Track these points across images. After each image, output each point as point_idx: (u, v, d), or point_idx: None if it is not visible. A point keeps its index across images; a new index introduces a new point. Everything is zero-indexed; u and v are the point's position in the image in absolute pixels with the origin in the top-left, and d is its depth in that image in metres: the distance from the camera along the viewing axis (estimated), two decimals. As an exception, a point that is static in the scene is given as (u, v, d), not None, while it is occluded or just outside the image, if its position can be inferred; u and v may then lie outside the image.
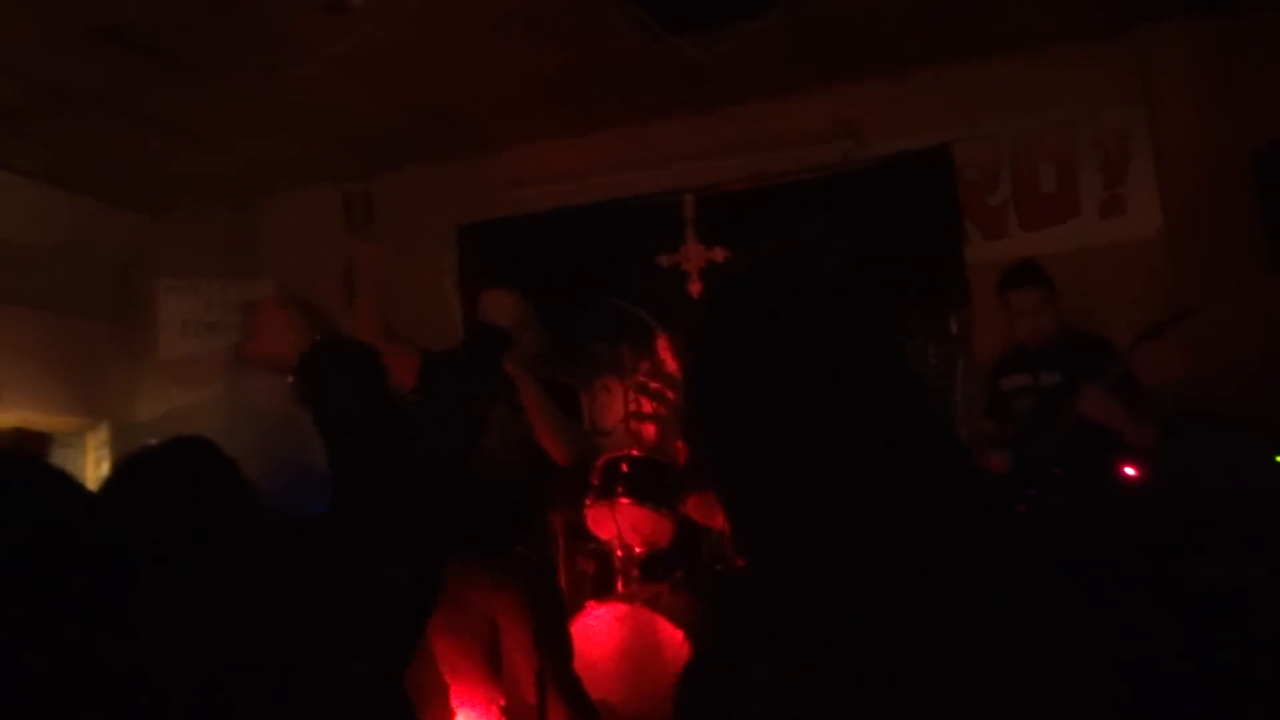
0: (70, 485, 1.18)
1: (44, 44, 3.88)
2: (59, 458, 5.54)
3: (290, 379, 2.03)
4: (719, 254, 5.08)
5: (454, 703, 3.06)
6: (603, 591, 4.01)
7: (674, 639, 3.50)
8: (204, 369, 5.58)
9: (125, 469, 1.73)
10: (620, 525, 3.76)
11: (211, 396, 5.45)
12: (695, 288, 5.10)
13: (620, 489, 3.74)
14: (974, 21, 4.28)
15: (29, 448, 4.92)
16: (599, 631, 3.59)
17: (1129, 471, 3.64)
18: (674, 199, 5.16)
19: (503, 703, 3.06)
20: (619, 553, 3.93)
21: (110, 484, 1.73)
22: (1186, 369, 3.57)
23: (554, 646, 3.00)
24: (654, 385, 4.65)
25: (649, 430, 5.07)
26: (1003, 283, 3.44)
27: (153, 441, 1.99)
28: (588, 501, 3.83)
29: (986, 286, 4.44)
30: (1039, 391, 3.35)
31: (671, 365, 5.13)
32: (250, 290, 5.65)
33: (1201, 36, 4.22)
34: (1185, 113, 4.25)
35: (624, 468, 3.97)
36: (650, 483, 3.84)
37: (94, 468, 5.38)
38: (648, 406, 4.79)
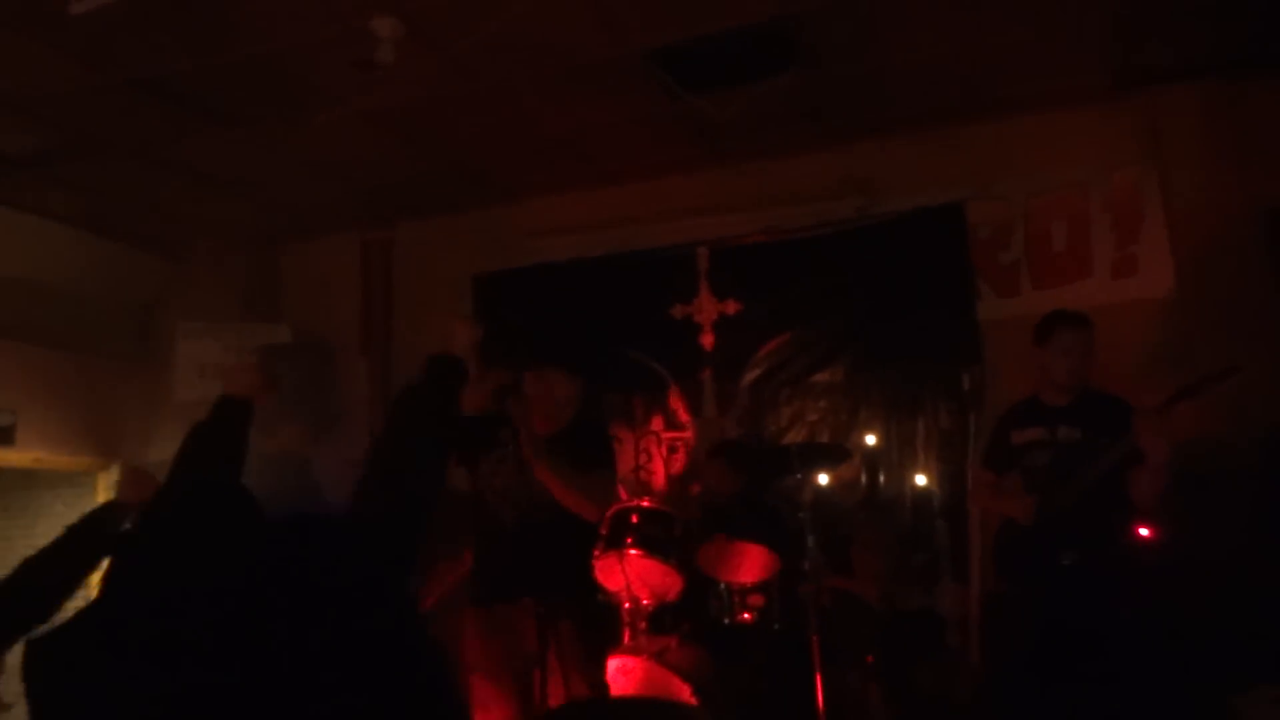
0: None
1: (83, 92, 3.99)
2: (69, 497, 5.58)
3: None
4: (731, 306, 5.12)
5: None
6: (610, 643, 3.97)
7: (683, 694, 3.46)
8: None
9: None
10: (629, 577, 3.73)
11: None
12: (708, 339, 5.14)
13: (630, 540, 3.72)
14: (986, 83, 4.36)
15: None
16: (611, 683, 3.55)
17: (1143, 532, 3.62)
18: (688, 252, 5.22)
19: None
20: (626, 604, 3.90)
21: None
22: (1194, 430, 3.54)
23: (597, 683, 3.10)
24: (667, 436, 4.65)
25: (659, 481, 5.06)
26: (1053, 319, 3.42)
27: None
28: (596, 552, 3.82)
29: (998, 344, 4.47)
30: (1056, 446, 3.34)
31: (684, 417, 5.14)
32: (268, 334, 5.72)
33: (1210, 98, 4.28)
34: (1195, 173, 4.29)
35: (634, 519, 3.95)
36: (659, 535, 3.83)
37: (106, 508, 5.39)
38: (657, 457, 4.79)
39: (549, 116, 4.50)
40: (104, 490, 5.54)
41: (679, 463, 5.10)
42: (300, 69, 3.91)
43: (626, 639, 3.90)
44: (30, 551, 2.26)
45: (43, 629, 1.67)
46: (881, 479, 4.68)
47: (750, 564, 3.84)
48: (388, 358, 5.83)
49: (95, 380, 5.60)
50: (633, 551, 3.65)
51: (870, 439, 4.70)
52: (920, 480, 4.59)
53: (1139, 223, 4.45)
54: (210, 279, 5.89)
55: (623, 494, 4.26)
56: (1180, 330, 4.21)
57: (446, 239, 5.78)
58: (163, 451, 5.57)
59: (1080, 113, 4.54)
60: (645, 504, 3.98)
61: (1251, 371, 3.13)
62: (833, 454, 4.46)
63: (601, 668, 3.23)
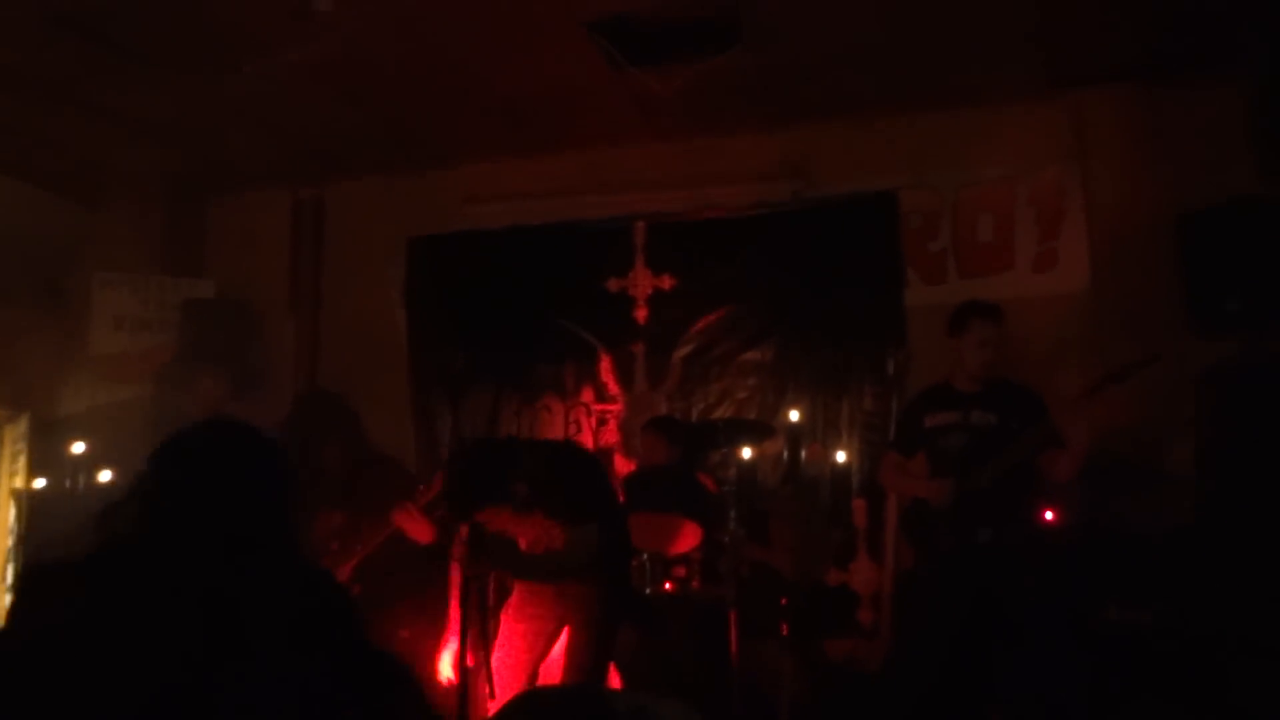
0: None
1: (-2, 24, 3.80)
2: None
3: None
4: (666, 281, 5.15)
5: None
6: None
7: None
8: (135, 367, 5.45)
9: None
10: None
11: (140, 396, 5.33)
12: (642, 313, 5.16)
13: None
14: (923, 76, 4.46)
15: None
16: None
17: (1048, 515, 3.79)
18: (625, 225, 5.23)
19: None
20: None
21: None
22: (1109, 419, 3.71)
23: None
24: (597, 408, 4.68)
25: (587, 452, 5.09)
26: (968, 310, 3.54)
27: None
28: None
29: (923, 330, 4.60)
30: (970, 430, 3.47)
31: (614, 389, 5.17)
32: (190, 289, 5.56)
33: (1133, 102, 4.44)
34: (1116, 175, 4.46)
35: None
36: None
37: (9, 461, 5.19)
38: (586, 428, 4.82)
39: (490, 81, 4.44)
40: (10, 443, 5.33)
41: (608, 434, 5.13)
42: (234, 14, 3.78)
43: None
44: None
45: None
46: (804, 456, 4.79)
47: (676, 536, 3.90)
48: (315, 317, 5.72)
49: (2, 328, 5.35)
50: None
51: (795, 416, 4.80)
52: (841, 458, 4.71)
53: (1060, 219, 4.61)
54: (129, 229, 5.67)
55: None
56: (1093, 325, 4.38)
57: (380, 200, 5.68)
58: (73, 405, 5.41)
59: (1011, 109, 4.67)
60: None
61: (1156, 368, 3.29)
62: (757, 430, 4.55)
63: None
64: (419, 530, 3.18)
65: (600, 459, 4.58)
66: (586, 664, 3.16)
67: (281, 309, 5.75)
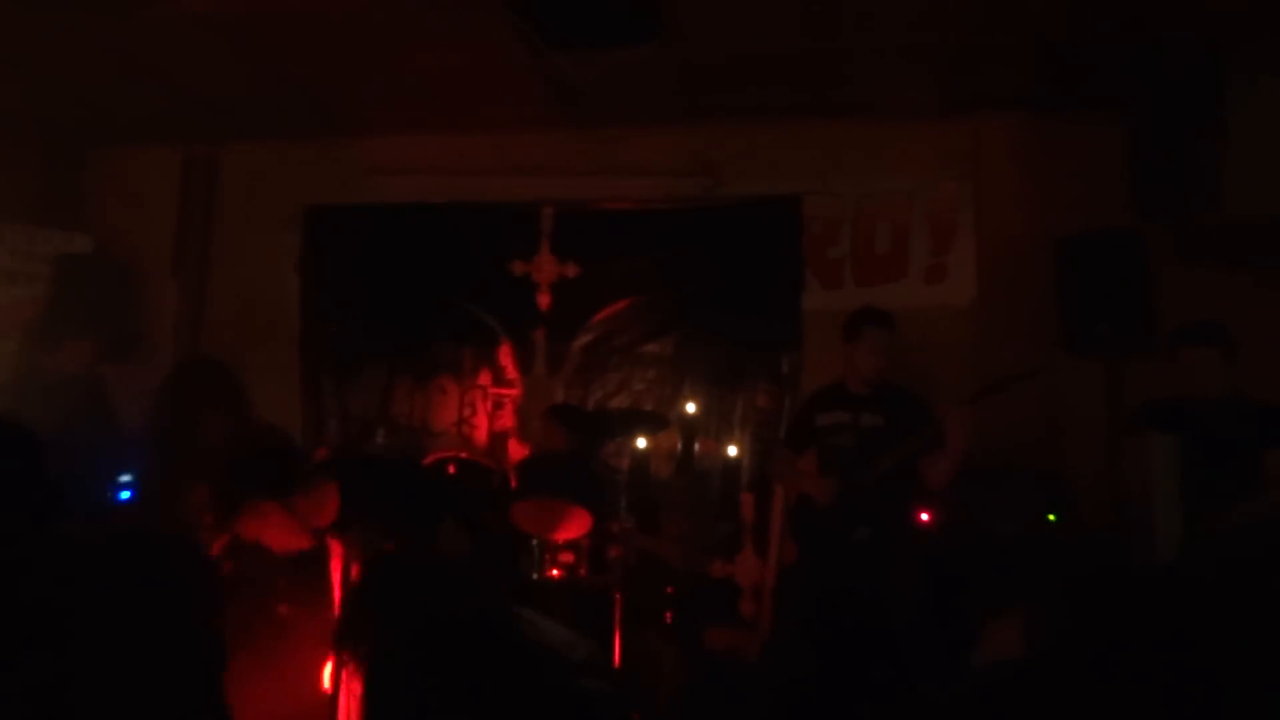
0: None
1: None
2: None
3: None
4: (571, 269, 5.14)
5: None
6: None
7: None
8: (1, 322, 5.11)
9: None
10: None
11: (2, 351, 5.00)
12: (544, 299, 5.14)
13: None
14: (834, 86, 4.58)
15: None
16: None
17: (923, 516, 3.96)
18: (533, 210, 5.20)
19: None
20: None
21: None
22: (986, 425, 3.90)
23: None
24: (494, 392, 4.64)
25: (481, 435, 5.04)
26: (861, 317, 3.67)
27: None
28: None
29: (817, 333, 4.73)
30: (859, 431, 3.60)
31: (512, 373, 5.13)
32: (65, 242, 5.23)
33: (1026, 130, 4.68)
34: (1004, 196, 4.69)
35: (450, 469, 3.93)
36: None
37: None
38: (482, 411, 4.78)
39: (405, 51, 4.33)
40: None
41: (504, 418, 5.09)
42: (131, -46, 3.59)
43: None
44: None
45: None
46: (697, 449, 4.86)
47: (566, 522, 3.90)
48: (201, 282, 5.48)
49: None
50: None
51: (691, 409, 4.88)
52: (733, 453, 4.81)
53: (952, 234, 4.82)
54: (1, 174, 5.31)
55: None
56: (977, 337, 4.60)
57: (278, 165, 5.47)
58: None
59: (914, 126, 4.85)
60: (463, 455, 3.97)
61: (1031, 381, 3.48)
62: (652, 421, 4.60)
63: None
64: (285, 538, 3.05)
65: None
66: None
67: (164, 271, 5.48)
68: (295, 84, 4.75)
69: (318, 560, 3.53)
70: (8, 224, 5.20)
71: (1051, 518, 3.94)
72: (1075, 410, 4.38)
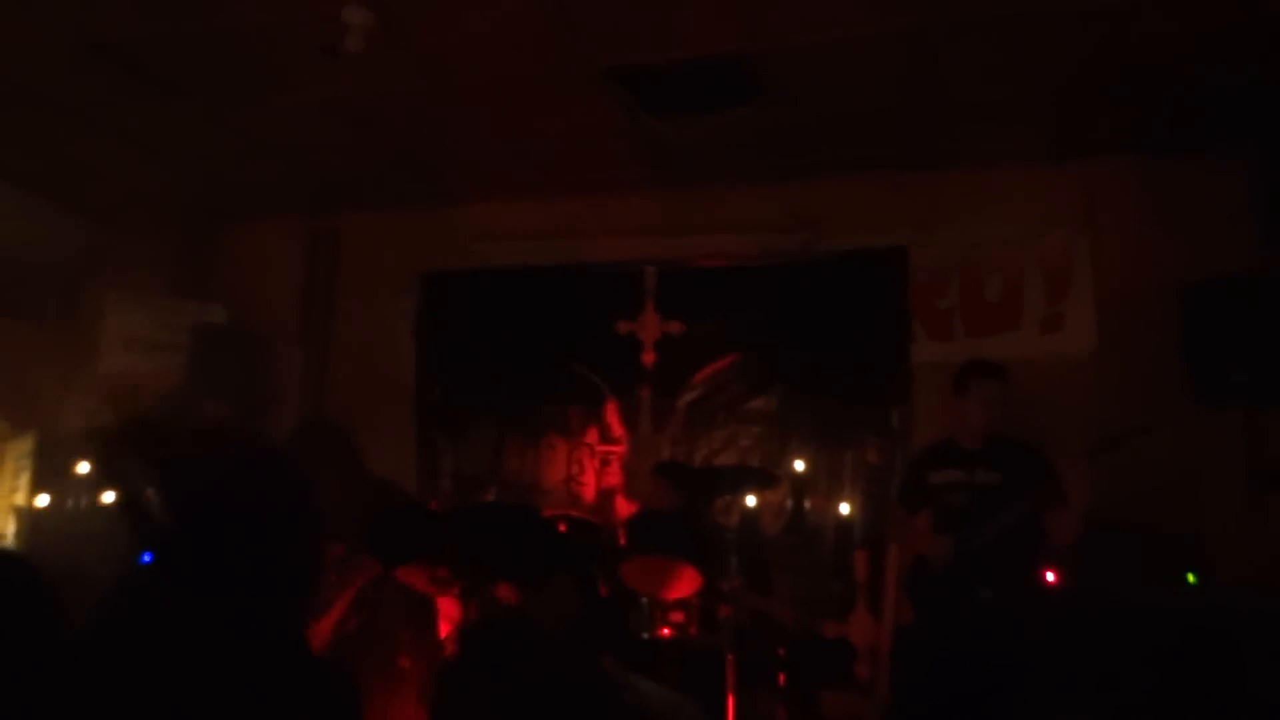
0: None
1: (34, 51, 3.88)
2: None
3: None
4: (675, 327, 5.19)
5: None
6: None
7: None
8: (141, 391, 5.46)
9: None
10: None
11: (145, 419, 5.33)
12: (649, 357, 5.19)
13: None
14: (934, 138, 4.54)
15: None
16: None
17: (1049, 576, 3.78)
18: (636, 270, 5.28)
19: None
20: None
21: None
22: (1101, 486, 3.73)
23: None
24: (601, 449, 4.69)
25: (589, 493, 5.09)
26: (971, 370, 3.59)
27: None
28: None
29: (929, 386, 4.62)
30: (974, 489, 3.48)
31: (619, 431, 5.18)
32: (201, 313, 5.59)
33: (1142, 173, 4.51)
34: (1123, 243, 4.52)
35: (561, 527, 3.98)
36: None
37: (12, 477, 5.18)
38: (590, 469, 4.83)
39: (507, 121, 4.51)
40: (11, 460, 5.32)
41: (611, 475, 5.13)
42: (263, 49, 3.86)
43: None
44: None
45: None
46: (807, 506, 4.78)
47: (676, 580, 3.88)
48: (324, 347, 5.74)
49: (8, 343, 5.36)
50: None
51: (799, 465, 4.81)
52: (844, 510, 4.71)
53: (1068, 283, 4.65)
54: (143, 249, 5.72)
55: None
56: (1098, 388, 4.41)
57: (392, 234, 5.74)
58: (78, 423, 5.41)
59: (1022, 172, 4.74)
60: (572, 513, 4.01)
61: (1158, 436, 3.32)
62: (761, 479, 4.55)
63: None
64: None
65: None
66: None
67: (291, 337, 5.78)
68: (407, 156, 4.99)
69: (433, 612, 3.61)
70: (149, 296, 5.59)
71: (1191, 578, 3.71)
72: (1211, 464, 4.13)
